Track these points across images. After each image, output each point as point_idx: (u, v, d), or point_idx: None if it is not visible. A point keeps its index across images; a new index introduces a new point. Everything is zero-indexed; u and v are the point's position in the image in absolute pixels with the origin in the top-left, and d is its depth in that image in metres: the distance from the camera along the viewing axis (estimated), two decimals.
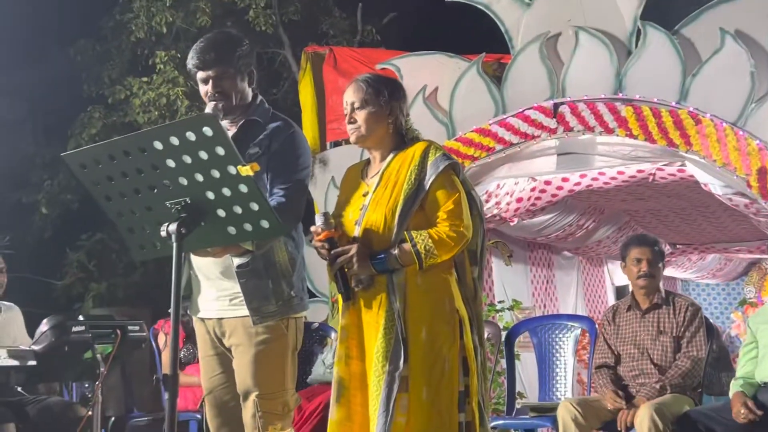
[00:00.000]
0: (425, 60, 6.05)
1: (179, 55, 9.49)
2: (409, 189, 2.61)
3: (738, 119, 4.89)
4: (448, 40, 7.40)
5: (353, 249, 2.58)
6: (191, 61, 2.73)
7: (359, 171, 2.82)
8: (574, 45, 5.44)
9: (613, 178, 6.35)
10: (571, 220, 7.48)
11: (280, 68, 10.83)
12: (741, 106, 4.88)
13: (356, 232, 2.65)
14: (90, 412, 3.25)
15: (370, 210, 2.65)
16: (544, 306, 8.23)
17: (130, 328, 3.34)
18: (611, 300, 9.65)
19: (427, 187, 2.61)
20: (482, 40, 6.40)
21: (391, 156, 2.71)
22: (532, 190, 6.45)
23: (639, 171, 6.12)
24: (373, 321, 2.59)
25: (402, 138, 2.74)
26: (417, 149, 2.68)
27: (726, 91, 4.94)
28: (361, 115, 2.68)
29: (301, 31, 10.51)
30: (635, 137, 5.18)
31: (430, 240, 2.55)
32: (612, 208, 7.94)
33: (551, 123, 5.43)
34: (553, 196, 6.64)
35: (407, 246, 2.56)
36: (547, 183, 6.43)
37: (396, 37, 10.85)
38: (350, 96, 2.71)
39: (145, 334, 3.46)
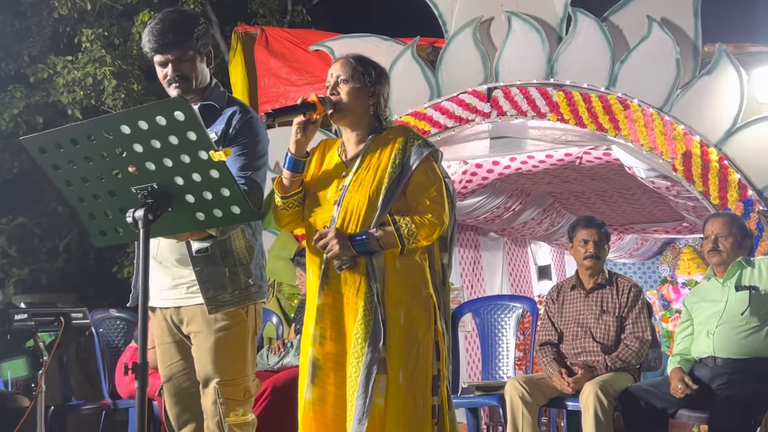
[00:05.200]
0: (359, 42, 5.99)
1: (106, 34, 9.18)
2: (393, 172, 2.61)
3: (664, 105, 5.06)
4: (378, 23, 7.40)
5: (331, 231, 2.56)
6: (148, 45, 2.64)
7: (335, 148, 2.79)
8: (507, 30, 5.52)
9: (541, 162, 6.48)
10: (499, 203, 7.61)
11: None
12: (667, 92, 5.05)
13: (335, 212, 2.62)
14: (32, 402, 3.16)
15: (351, 191, 2.63)
16: (472, 286, 8.35)
17: (73, 315, 3.26)
18: (535, 279, 9.89)
19: (411, 172, 2.62)
20: (415, 24, 6.42)
21: (370, 138, 2.71)
22: (464, 173, 6.53)
23: (567, 154, 6.27)
24: (352, 303, 2.58)
25: (380, 123, 2.73)
26: (397, 134, 2.69)
27: (653, 78, 5.09)
28: (344, 89, 2.68)
29: (229, 10, 10.23)
30: (566, 122, 5.30)
31: (413, 224, 2.56)
32: (538, 191, 8.10)
33: (485, 107, 5.51)
34: (484, 179, 6.74)
35: (390, 228, 2.57)
36: (478, 166, 6.52)
37: (326, 18, 10.75)
38: (337, 70, 2.71)
39: (88, 321, 3.38)
